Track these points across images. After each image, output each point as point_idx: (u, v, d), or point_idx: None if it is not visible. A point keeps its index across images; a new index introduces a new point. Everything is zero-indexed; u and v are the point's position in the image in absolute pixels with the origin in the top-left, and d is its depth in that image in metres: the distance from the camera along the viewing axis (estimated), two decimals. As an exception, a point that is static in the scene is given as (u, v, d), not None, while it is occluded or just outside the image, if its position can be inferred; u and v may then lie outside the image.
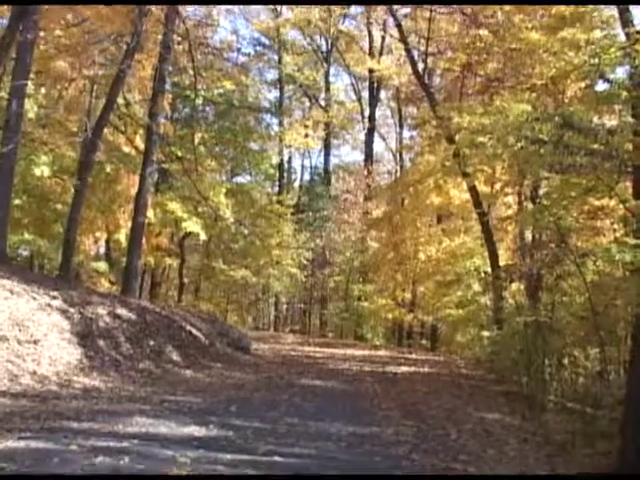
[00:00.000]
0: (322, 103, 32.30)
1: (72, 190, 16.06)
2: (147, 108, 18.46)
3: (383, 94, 32.99)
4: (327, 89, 31.92)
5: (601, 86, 11.29)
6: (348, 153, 60.95)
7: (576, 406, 9.16)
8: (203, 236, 23.67)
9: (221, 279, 27.54)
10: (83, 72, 16.93)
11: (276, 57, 31.43)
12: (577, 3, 12.48)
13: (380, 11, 24.95)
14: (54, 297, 10.86)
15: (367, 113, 31.73)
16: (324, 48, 32.35)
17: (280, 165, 31.66)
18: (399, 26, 19.56)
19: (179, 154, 20.36)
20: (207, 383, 10.16)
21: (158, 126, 17.73)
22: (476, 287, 19.13)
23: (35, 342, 9.33)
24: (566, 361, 10.46)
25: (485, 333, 14.45)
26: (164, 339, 12.18)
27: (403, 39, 19.49)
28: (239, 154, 27.92)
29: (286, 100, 32.29)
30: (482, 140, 11.37)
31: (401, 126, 32.10)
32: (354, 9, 28.31)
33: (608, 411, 7.96)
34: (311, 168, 36.04)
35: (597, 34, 11.30)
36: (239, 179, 30.43)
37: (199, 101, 22.95)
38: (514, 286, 14.79)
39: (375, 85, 30.98)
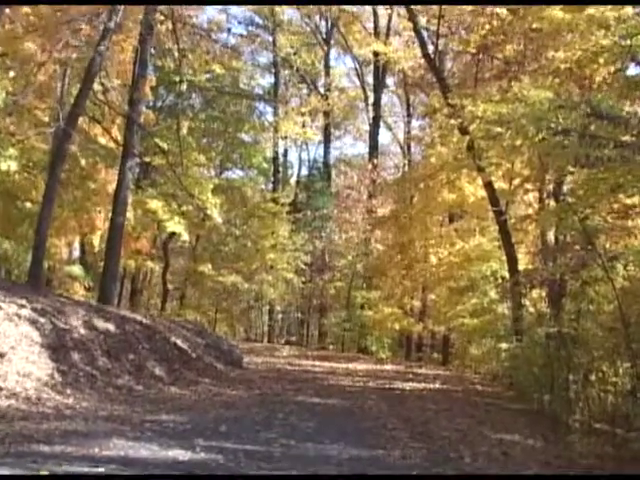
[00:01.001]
0: (321, 90, 32.32)
1: (43, 186, 16.03)
2: (127, 95, 18.44)
3: (389, 80, 33.01)
4: (327, 74, 31.94)
5: (633, 70, 11.30)
6: (350, 145, 61.11)
7: (605, 427, 9.14)
8: (186, 237, 23.73)
9: (209, 285, 27.57)
10: (54, 55, 16.88)
11: (270, 38, 31.47)
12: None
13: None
14: (22, 306, 10.84)
15: (371, 100, 31.74)
16: (324, 28, 32.39)
17: (275, 159, 31.70)
18: (407, 4, 19.55)
19: (162, 146, 20.35)
20: (194, 401, 10.15)
21: (139, 115, 17.72)
22: (492, 294, 19.07)
23: (1, 355, 9.30)
24: (593, 377, 10.43)
25: (503, 345, 14.47)
26: (146, 352, 12.18)
27: (412, 18, 19.47)
28: (229, 146, 27.96)
29: (281, 86, 32.35)
30: (499, 131, 11.35)
31: (409, 115, 32.10)
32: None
33: (641, 432, 7.94)
34: (309, 162, 36.10)
35: (629, 11, 11.26)
36: (229, 174, 30.51)
37: (185, 87, 22.98)
38: (535, 293, 14.80)
39: (380, 70, 30.95)
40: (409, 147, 31.99)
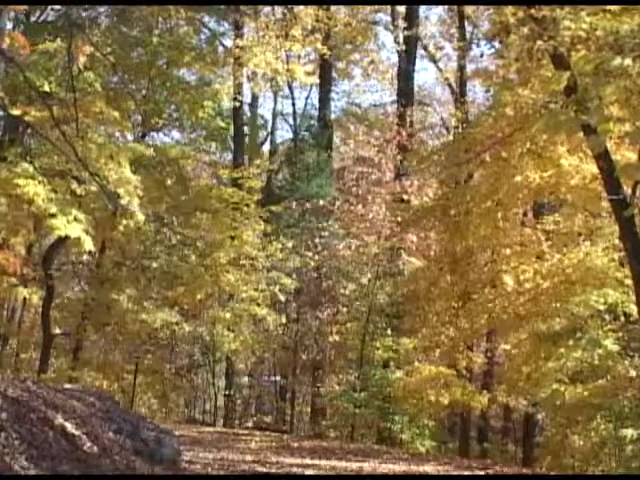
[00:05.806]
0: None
1: None
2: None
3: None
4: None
5: None
6: (366, 90, 61.09)
7: None
8: (90, 246, 23.56)
9: (126, 328, 27.44)
10: None
11: None
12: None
13: None
14: None
15: (402, 13, 31.79)
16: None
17: (237, 112, 31.66)
18: None
19: (43, 89, 20.27)
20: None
21: (2, 37, 17.63)
22: (609, 343, 19.08)
23: None
24: None
25: (628, 432, 14.44)
26: (12, 443, 12.06)
27: None
28: (159, 90, 27.87)
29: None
30: (620, 63, 11.33)
31: (464, 38, 32.19)
32: None
33: None
34: (296, 118, 36.10)
35: None
36: (159, 138, 30.52)
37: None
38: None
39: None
40: (463, 90, 32.02)
